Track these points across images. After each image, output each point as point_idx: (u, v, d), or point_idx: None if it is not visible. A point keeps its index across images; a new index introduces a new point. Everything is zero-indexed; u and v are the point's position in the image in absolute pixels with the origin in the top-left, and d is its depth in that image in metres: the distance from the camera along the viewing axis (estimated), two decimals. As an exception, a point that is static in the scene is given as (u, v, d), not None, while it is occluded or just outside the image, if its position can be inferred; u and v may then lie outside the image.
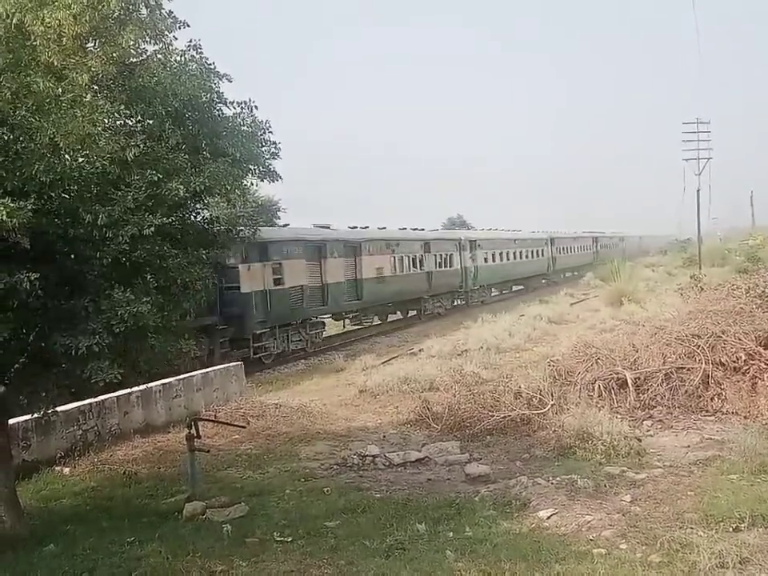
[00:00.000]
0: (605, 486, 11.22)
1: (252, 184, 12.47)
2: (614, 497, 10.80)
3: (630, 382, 15.63)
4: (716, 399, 15.22)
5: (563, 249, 68.62)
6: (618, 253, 71.98)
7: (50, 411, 10.96)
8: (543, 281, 62.58)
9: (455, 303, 45.81)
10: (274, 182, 11.60)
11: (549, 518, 10.10)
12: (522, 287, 58.76)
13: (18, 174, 7.63)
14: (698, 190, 56.25)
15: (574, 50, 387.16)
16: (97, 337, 8.02)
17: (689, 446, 13.29)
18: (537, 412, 15.00)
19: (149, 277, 9.24)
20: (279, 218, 52.18)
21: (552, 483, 11.41)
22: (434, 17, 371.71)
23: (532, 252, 59.79)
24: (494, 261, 50.73)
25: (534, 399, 15.53)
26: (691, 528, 9.25)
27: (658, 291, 37.93)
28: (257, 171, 11.26)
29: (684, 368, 15.83)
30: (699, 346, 16.11)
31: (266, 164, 11.29)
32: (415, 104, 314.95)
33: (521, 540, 9.33)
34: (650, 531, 9.34)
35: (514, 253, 55.25)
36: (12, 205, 6.96)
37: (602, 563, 8.43)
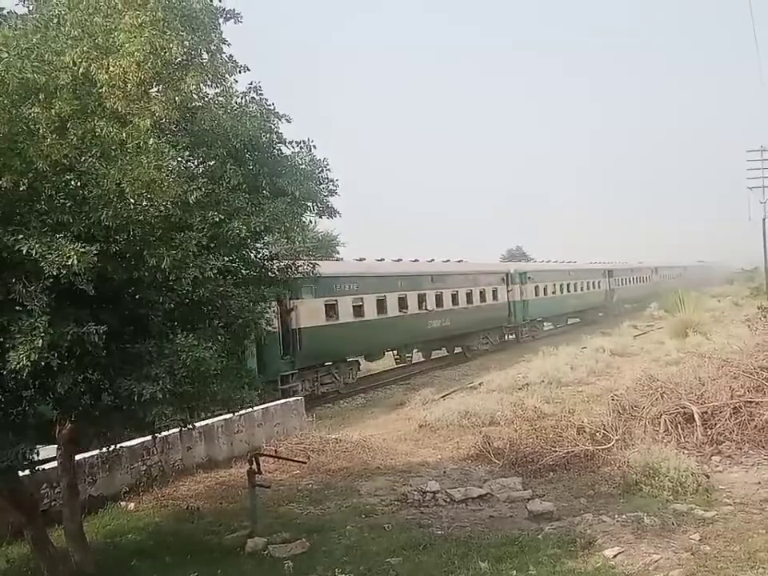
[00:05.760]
0: (672, 523, 10.95)
1: (310, 221, 12.60)
2: (682, 535, 10.54)
3: (696, 416, 15.30)
4: (787, 434, 14.79)
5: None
6: (681, 283, 70.48)
7: (113, 448, 11.16)
8: (600, 314, 61.06)
9: (505, 338, 44.54)
10: (332, 218, 11.74)
11: (615, 556, 9.91)
12: (578, 320, 57.63)
13: (84, 218, 7.84)
14: (764, 218, 55.40)
15: (632, 73, 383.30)
16: (160, 383, 8.11)
17: (759, 483, 12.94)
18: (601, 447, 14.76)
19: (212, 317, 9.36)
20: (338, 252, 52.64)
21: (618, 521, 11.20)
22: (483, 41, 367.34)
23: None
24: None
25: (597, 434, 15.30)
26: (763, 568, 9.01)
27: (725, 322, 37.09)
28: (315, 208, 11.41)
29: (753, 402, 15.47)
30: (768, 378, 15.72)
31: (324, 201, 11.43)
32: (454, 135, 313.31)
33: (586, 579, 9.15)
34: (720, 571, 9.11)
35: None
36: (81, 249, 7.14)
37: (670, 604, 8.25)
